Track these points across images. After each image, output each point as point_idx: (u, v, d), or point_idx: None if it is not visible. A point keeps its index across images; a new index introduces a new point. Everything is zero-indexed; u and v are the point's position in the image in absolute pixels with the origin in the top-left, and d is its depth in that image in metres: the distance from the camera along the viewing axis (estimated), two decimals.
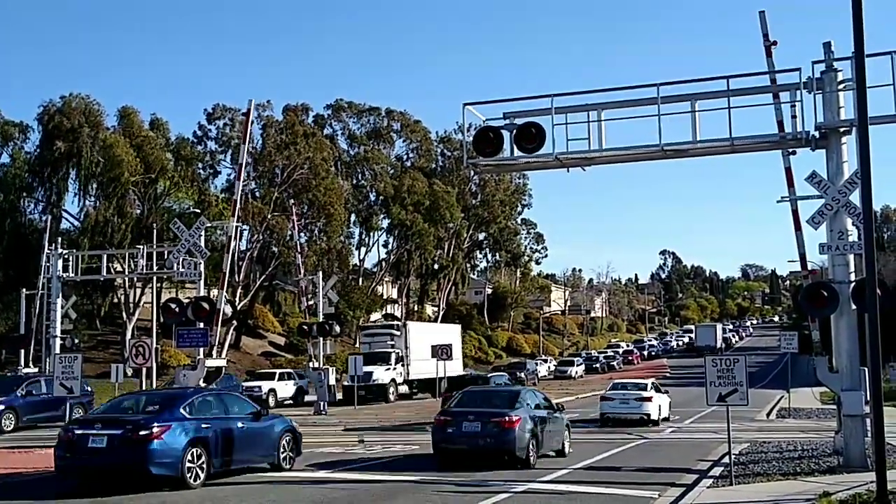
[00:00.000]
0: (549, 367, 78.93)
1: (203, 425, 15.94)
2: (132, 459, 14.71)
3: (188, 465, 15.25)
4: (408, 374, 49.61)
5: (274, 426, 18.08)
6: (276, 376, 46.67)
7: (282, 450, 17.92)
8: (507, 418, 18.32)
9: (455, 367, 56.45)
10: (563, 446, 20.89)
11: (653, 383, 33.61)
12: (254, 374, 50.74)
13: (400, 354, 49.22)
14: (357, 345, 60.56)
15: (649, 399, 31.54)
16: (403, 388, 49.76)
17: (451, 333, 56.57)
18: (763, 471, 17.06)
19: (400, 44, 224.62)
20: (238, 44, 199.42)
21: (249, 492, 15.40)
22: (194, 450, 15.45)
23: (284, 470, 17.73)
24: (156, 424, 15.07)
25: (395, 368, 48.41)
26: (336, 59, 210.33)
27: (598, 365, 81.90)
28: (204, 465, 15.68)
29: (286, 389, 46.31)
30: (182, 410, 15.85)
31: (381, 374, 46.65)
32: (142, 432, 14.85)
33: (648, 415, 31.16)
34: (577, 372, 76.17)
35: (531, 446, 18.52)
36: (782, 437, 24.51)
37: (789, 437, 24.79)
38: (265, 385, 44.22)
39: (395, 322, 53.48)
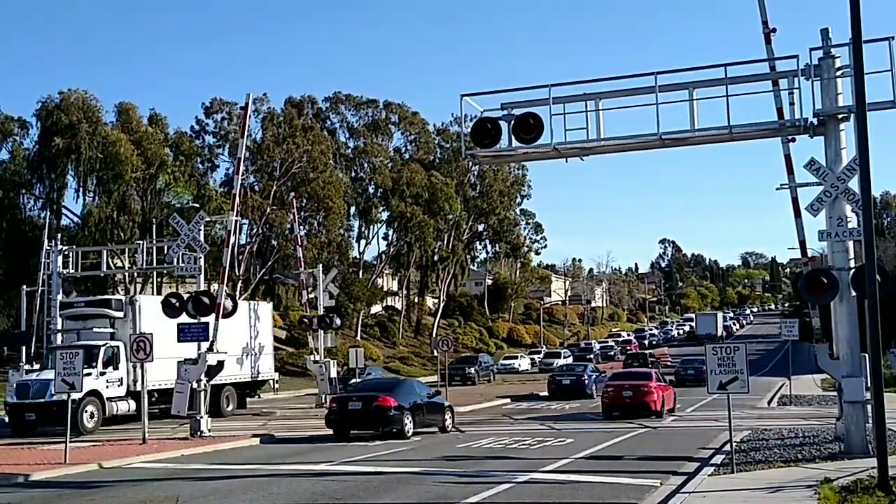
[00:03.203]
0: (533, 360, 74.70)
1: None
2: None
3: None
4: (132, 381, 29.51)
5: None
6: None
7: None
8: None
9: (262, 366, 37.44)
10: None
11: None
12: None
13: (116, 350, 29.81)
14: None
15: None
16: (124, 406, 29.81)
17: (256, 317, 37.55)
18: (764, 458, 17.09)
19: (397, 35, 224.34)
20: (234, 37, 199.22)
21: (253, 485, 15.45)
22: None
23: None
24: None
25: (102, 374, 29.08)
26: (333, 51, 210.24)
27: (591, 356, 75.70)
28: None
29: None
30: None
31: None
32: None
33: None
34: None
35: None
36: (783, 425, 24.55)
37: (790, 424, 24.83)
38: None
39: (116, 298, 34.12)
